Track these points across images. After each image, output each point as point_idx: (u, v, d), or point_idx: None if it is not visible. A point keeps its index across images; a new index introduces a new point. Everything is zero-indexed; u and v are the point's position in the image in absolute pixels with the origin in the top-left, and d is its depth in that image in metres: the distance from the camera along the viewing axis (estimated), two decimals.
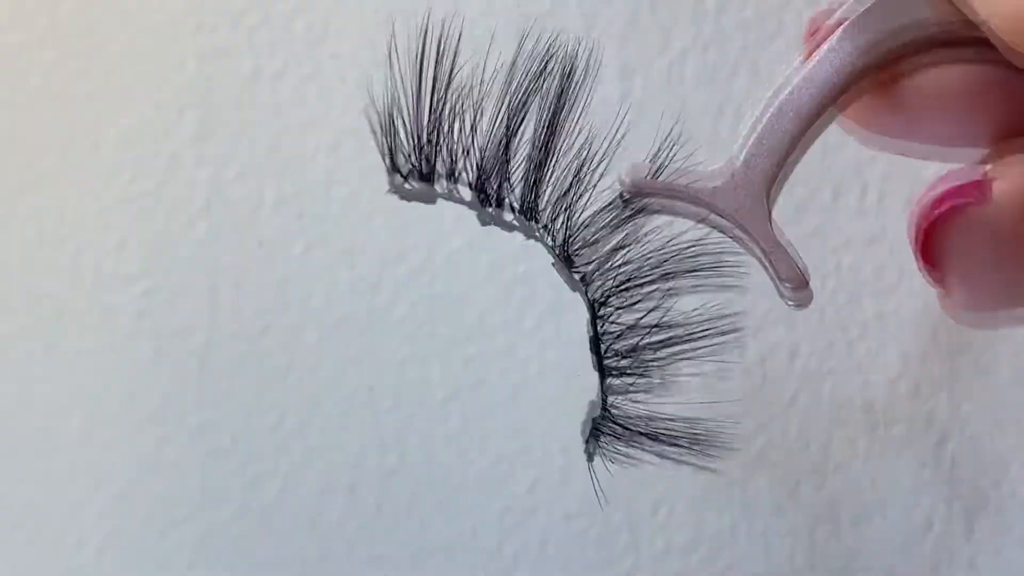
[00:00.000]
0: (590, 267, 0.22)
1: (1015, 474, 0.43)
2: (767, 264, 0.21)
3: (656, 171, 0.22)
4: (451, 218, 0.43)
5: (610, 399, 0.22)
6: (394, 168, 0.22)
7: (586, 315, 0.22)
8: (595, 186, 0.22)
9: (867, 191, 0.42)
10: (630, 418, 0.23)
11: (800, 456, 0.43)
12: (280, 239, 0.43)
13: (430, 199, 0.22)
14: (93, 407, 0.44)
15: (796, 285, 0.21)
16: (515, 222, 0.22)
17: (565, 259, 0.22)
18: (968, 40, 0.21)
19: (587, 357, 0.23)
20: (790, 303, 0.22)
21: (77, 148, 0.44)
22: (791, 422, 0.43)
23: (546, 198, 0.22)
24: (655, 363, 0.22)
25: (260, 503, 0.44)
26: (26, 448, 0.45)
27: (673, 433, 0.23)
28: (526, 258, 0.43)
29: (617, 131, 0.22)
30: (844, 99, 0.22)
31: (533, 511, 0.44)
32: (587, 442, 0.23)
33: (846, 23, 0.22)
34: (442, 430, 0.43)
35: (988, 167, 0.20)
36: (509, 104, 0.22)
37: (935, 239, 0.20)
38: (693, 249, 0.22)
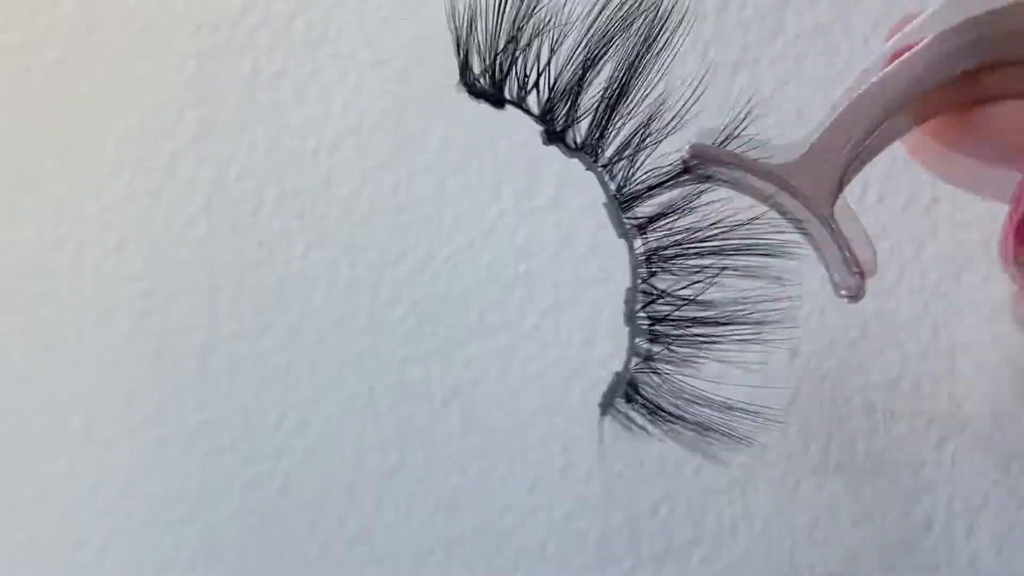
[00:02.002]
0: (640, 221, 0.22)
1: (1015, 474, 0.43)
2: (827, 250, 0.21)
3: (725, 140, 0.21)
4: (451, 218, 0.43)
5: (633, 361, 0.22)
6: (466, 66, 0.22)
7: (626, 268, 0.22)
8: (662, 141, 0.22)
9: (867, 191, 0.42)
10: (652, 388, 0.22)
11: (800, 456, 0.43)
12: (280, 239, 0.43)
13: (499, 101, 0.22)
14: (93, 407, 0.44)
15: (857, 273, 0.21)
16: (579, 147, 0.22)
17: (618, 203, 0.22)
18: None
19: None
20: (843, 294, 0.21)
21: (77, 148, 0.44)
22: (791, 422, 0.43)
23: (611, 139, 0.22)
24: (687, 340, 0.22)
25: (260, 503, 0.44)
26: (26, 448, 0.45)
27: (693, 421, 0.23)
28: (526, 258, 0.43)
29: (695, 92, 0.22)
30: (926, 107, 0.21)
31: (533, 511, 0.44)
32: (605, 393, 0.22)
33: (947, 26, 0.21)
34: (442, 430, 0.43)
35: None
36: (594, 36, 0.21)
37: None
38: (748, 230, 0.21)
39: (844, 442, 0.43)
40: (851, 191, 0.43)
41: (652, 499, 0.43)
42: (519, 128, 0.43)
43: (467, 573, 0.44)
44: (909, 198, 0.42)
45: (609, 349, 0.43)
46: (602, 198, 0.22)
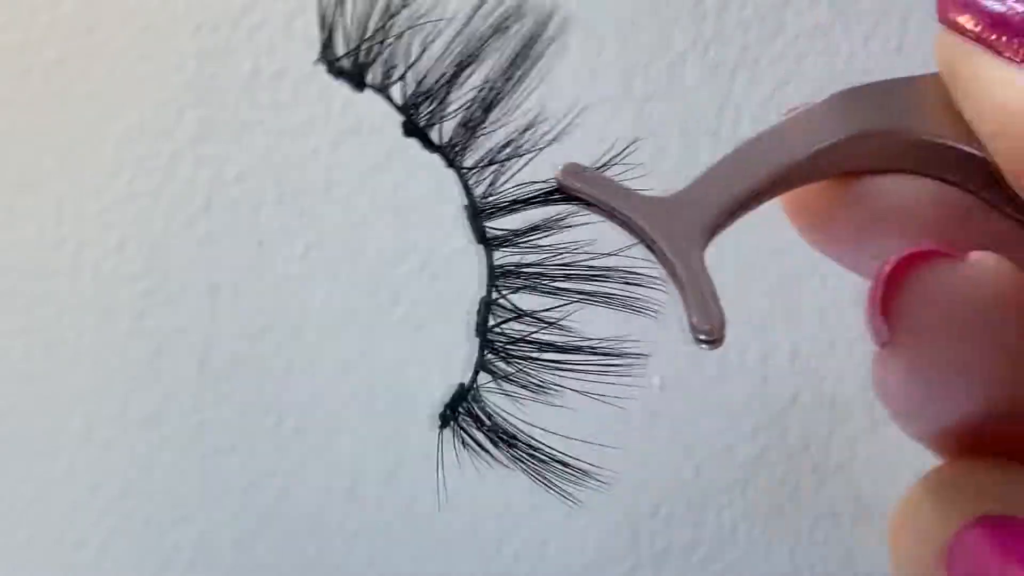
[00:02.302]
0: (500, 236, 0.21)
1: None
2: (690, 291, 0.20)
3: (603, 167, 0.21)
4: (450, 218, 0.43)
5: (481, 379, 0.22)
6: (329, 44, 0.21)
7: (483, 278, 0.22)
8: (530, 156, 0.21)
9: None
10: (500, 415, 0.22)
11: (800, 456, 0.43)
12: (280, 239, 0.43)
13: (358, 85, 0.22)
14: (93, 407, 0.44)
15: (709, 331, 0.20)
16: (442, 146, 0.21)
17: (476, 208, 0.21)
18: (959, 158, 0.20)
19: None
20: (701, 337, 0.20)
21: (77, 148, 0.44)
22: (791, 422, 0.43)
23: (477, 145, 0.21)
24: (540, 365, 0.22)
25: (260, 503, 0.44)
26: (26, 448, 0.45)
27: (537, 450, 0.22)
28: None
29: (572, 117, 0.21)
30: (806, 172, 0.21)
31: (533, 511, 0.44)
32: (446, 405, 0.22)
33: (841, 92, 0.21)
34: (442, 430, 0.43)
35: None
36: (470, 36, 0.21)
37: (903, 285, 0.19)
38: (609, 259, 0.21)
39: (844, 442, 0.43)
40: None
41: (652, 499, 0.43)
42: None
43: (467, 573, 0.44)
44: None
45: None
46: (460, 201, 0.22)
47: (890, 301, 0.19)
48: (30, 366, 0.44)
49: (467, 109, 0.21)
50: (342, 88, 0.46)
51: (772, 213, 0.22)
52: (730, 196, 0.21)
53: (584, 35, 0.42)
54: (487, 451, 0.22)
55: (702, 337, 0.20)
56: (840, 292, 0.42)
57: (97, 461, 0.44)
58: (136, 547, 0.45)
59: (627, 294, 0.21)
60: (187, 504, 0.44)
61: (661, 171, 0.44)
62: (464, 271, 0.43)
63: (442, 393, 0.42)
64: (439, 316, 0.43)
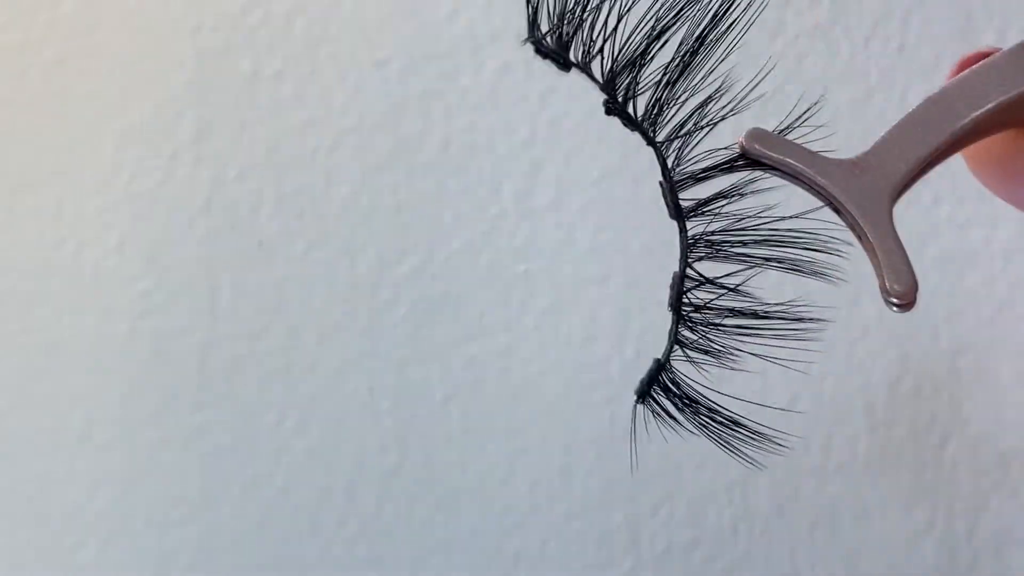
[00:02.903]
0: (688, 204, 0.21)
1: (1015, 474, 0.43)
2: (882, 254, 0.20)
3: (786, 130, 0.21)
4: (451, 218, 0.43)
5: (675, 350, 0.22)
6: (535, 23, 0.22)
7: (677, 252, 0.22)
8: (717, 124, 0.21)
9: None
10: (690, 386, 0.22)
11: (800, 456, 0.43)
12: (280, 239, 0.43)
13: (565, 64, 0.22)
14: (93, 407, 0.44)
15: (903, 294, 0.20)
16: (640, 122, 0.22)
17: (672, 183, 0.21)
18: None
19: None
20: (893, 304, 0.21)
21: (77, 148, 0.44)
22: (791, 422, 0.43)
23: (669, 116, 0.21)
24: (725, 330, 0.22)
25: (260, 503, 0.44)
26: (26, 448, 0.45)
27: (724, 414, 0.22)
28: (526, 258, 0.43)
29: (759, 82, 0.21)
30: (991, 122, 0.21)
31: (533, 511, 0.44)
32: (643, 380, 0.22)
33: (1015, 46, 0.21)
34: (442, 430, 0.43)
35: None
36: (663, 7, 0.21)
37: None
38: (792, 223, 0.21)
39: (844, 442, 0.43)
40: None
41: (652, 499, 0.43)
42: (519, 129, 0.43)
43: (467, 573, 0.44)
44: (909, 198, 0.42)
45: (609, 349, 0.43)
46: (654, 177, 0.22)
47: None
48: (30, 366, 0.44)
49: (659, 83, 0.21)
50: (342, 88, 0.46)
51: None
52: (915, 156, 0.21)
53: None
54: (676, 420, 0.22)
55: (895, 300, 0.20)
56: (840, 293, 0.42)
57: (97, 461, 0.44)
58: (136, 547, 0.45)
59: (807, 259, 0.21)
60: (187, 504, 0.44)
61: (661, 171, 0.44)
62: (464, 271, 0.44)
63: (442, 393, 0.42)
64: (440, 316, 0.43)
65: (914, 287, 0.20)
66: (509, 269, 0.43)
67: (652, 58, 0.21)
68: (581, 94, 0.43)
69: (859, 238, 0.21)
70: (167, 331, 0.44)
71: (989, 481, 0.43)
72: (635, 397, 0.22)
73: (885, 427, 0.43)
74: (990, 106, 0.20)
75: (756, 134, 0.21)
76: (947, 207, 0.42)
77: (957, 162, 0.39)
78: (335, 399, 0.44)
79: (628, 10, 0.21)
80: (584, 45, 0.22)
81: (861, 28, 0.42)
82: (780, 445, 0.23)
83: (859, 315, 0.42)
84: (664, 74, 0.21)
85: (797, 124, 0.21)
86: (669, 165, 0.21)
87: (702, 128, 0.21)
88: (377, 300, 0.43)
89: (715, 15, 0.21)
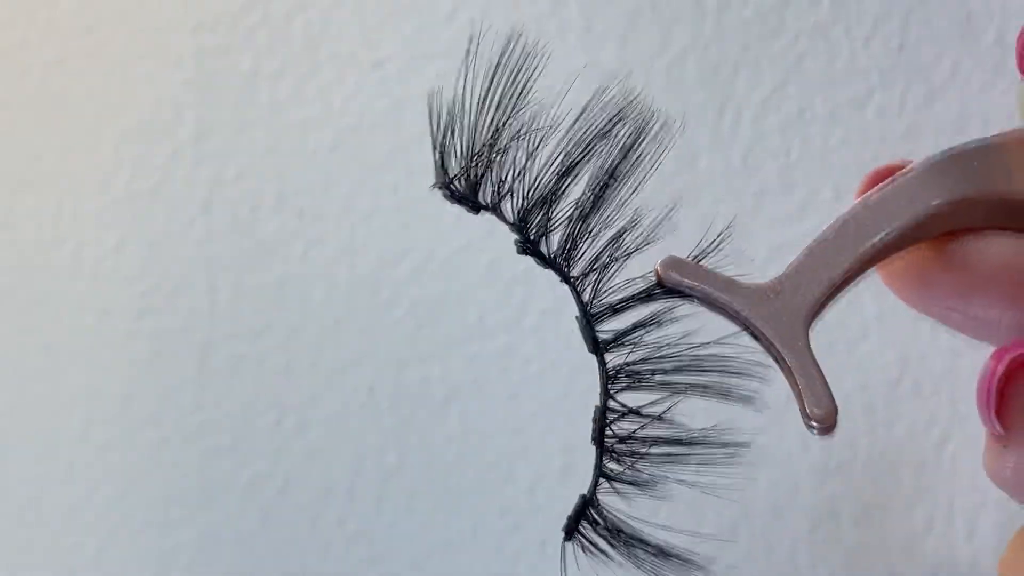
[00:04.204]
0: (608, 337, 0.22)
1: None
2: (801, 378, 0.21)
3: (700, 256, 0.21)
4: (451, 218, 0.43)
5: (600, 482, 0.22)
6: (443, 168, 0.22)
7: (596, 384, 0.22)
8: (632, 256, 0.21)
9: None
10: (617, 514, 0.22)
11: (800, 456, 0.43)
12: (280, 239, 0.43)
13: (474, 208, 0.22)
14: (92, 407, 0.44)
15: (823, 418, 0.21)
16: (553, 259, 0.22)
17: (589, 318, 0.22)
18: None
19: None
20: (813, 428, 0.21)
21: (77, 148, 0.44)
22: (791, 422, 0.43)
23: (583, 250, 0.22)
24: (651, 459, 0.22)
25: (260, 503, 0.44)
26: (26, 448, 0.45)
27: (652, 543, 0.23)
28: (526, 258, 0.43)
29: (670, 211, 0.21)
30: (900, 243, 0.21)
31: (533, 511, 0.44)
32: (569, 517, 0.22)
33: (930, 160, 0.21)
34: (442, 430, 0.43)
35: None
36: (572, 143, 0.21)
37: (1015, 387, 0.19)
38: (711, 348, 0.21)
39: (844, 442, 0.43)
40: (852, 192, 0.43)
41: (652, 499, 0.43)
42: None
43: (467, 573, 0.44)
44: None
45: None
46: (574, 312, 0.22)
47: (1003, 400, 0.19)
48: (30, 366, 0.44)
49: (571, 218, 0.21)
50: (342, 88, 0.46)
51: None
52: (828, 278, 0.21)
53: (584, 35, 0.42)
54: (605, 553, 0.23)
55: (814, 424, 0.20)
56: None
57: (96, 461, 0.44)
58: (136, 547, 0.45)
59: (727, 384, 0.22)
60: (187, 504, 0.44)
61: (660, 172, 0.44)
62: (464, 271, 0.43)
63: (442, 393, 0.42)
64: (440, 316, 0.43)
65: (833, 411, 0.20)
66: (509, 269, 0.43)
67: (563, 194, 0.22)
68: (581, 94, 0.43)
69: (777, 362, 0.21)
70: (167, 331, 0.44)
71: (988, 480, 0.43)
72: (562, 535, 0.23)
73: (885, 427, 0.43)
74: (899, 223, 0.21)
75: (671, 262, 0.21)
76: None
77: None
78: (335, 399, 0.44)
79: (538, 147, 0.21)
80: (494, 186, 0.22)
81: (861, 28, 0.42)
82: (707, 570, 0.23)
83: (858, 315, 0.42)
84: (576, 208, 0.21)
85: (712, 249, 0.21)
86: (585, 300, 0.22)
87: (617, 260, 0.21)
88: (377, 300, 0.43)
89: (624, 148, 0.21)
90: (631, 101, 0.21)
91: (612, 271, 0.21)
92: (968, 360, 0.43)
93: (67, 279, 0.44)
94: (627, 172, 0.21)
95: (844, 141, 0.42)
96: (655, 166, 0.22)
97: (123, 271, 0.44)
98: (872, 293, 0.43)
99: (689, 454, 0.22)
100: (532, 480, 0.44)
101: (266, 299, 0.44)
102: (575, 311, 0.22)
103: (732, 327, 0.21)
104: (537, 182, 0.21)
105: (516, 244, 0.22)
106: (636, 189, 0.21)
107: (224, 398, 0.44)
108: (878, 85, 0.41)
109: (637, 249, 0.21)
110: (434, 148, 0.22)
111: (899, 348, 0.43)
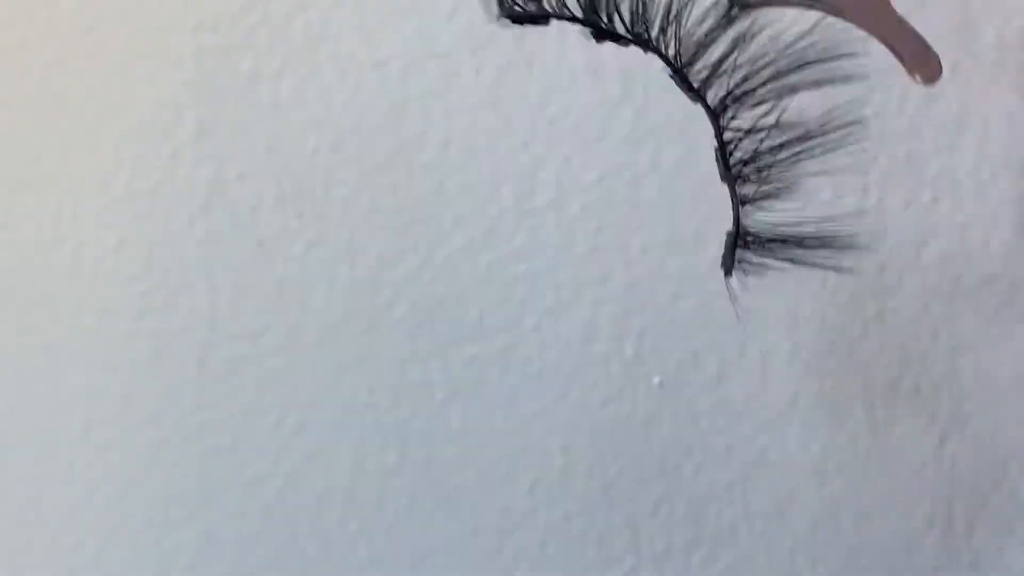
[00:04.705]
0: (704, 76, 0.22)
1: (1015, 474, 0.43)
2: (892, 48, 0.21)
3: None
4: (451, 218, 0.43)
5: (741, 210, 0.23)
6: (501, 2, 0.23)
7: (708, 132, 0.23)
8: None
9: (868, 191, 0.42)
10: (763, 225, 0.23)
11: (800, 456, 0.43)
12: (280, 239, 0.43)
13: (542, 17, 0.23)
14: (92, 407, 0.44)
15: (927, 65, 0.21)
16: (628, 36, 0.22)
17: (679, 71, 0.22)
18: None
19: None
20: (918, 79, 0.21)
21: (77, 148, 0.44)
22: (791, 422, 0.43)
23: (653, 10, 0.22)
24: (779, 165, 0.23)
25: (260, 503, 0.44)
26: (26, 448, 0.45)
27: (804, 235, 0.23)
28: (526, 258, 0.43)
29: None
30: None
31: (533, 511, 0.44)
32: (724, 256, 0.23)
33: None
34: (442, 430, 0.43)
35: None
36: None
37: None
38: (800, 43, 0.22)
39: (844, 442, 0.43)
40: (852, 192, 0.43)
41: (652, 499, 0.43)
42: (519, 129, 0.43)
43: (467, 573, 0.44)
44: (909, 198, 0.42)
45: (609, 349, 0.43)
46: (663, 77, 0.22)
47: None
48: (30, 366, 0.44)
49: None
50: (342, 88, 0.46)
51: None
52: None
53: (584, 35, 0.42)
54: (765, 266, 0.23)
55: (918, 78, 0.20)
56: (840, 294, 0.42)
57: (97, 461, 0.44)
58: (136, 547, 0.45)
59: (825, 67, 0.22)
60: (187, 504, 0.44)
61: (661, 171, 0.44)
62: (464, 271, 0.43)
63: (442, 393, 0.42)
64: (440, 316, 0.43)
65: (937, 64, 0.21)
66: (509, 269, 0.43)
67: None
68: (581, 94, 0.43)
69: (868, 31, 0.21)
70: (167, 331, 0.44)
71: (989, 481, 0.43)
72: (723, 273, 0.23)
73: (885, 427, 0.43)
74: None
75: None
76: (946, 207, 0.42)
77: (957, 162, 0.39)
78: (335, 399, 0.44)
79: None
80: None
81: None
82: (858, 242, 0.24)
83: (859, 315, 0.42)
84: None
85: None
86: (670, 55, 0.22)
87: (683, 11, 0.22)
88: (377, 300, 0.43)
89: None
90: None
91: (685, 17, 0.22)
92: (968, 360, 0.43)
93: (67, 279, 0.44)
94: None
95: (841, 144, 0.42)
96: None
97: (123, 271, 0.44)
98: (871, 292, 0.43)
99: (812, 147, 0.23)
100: (532, 480, 0.44)
101: (266, 299, 0.44)
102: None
103: (807, 24, 0.22)
104: None
105: (590, 34, 0.23)
106: None
107: (224, 398, 0.44)
108: (878, 85, 0.41)
109: None
110: None
111: (899, 348, 0.43)
